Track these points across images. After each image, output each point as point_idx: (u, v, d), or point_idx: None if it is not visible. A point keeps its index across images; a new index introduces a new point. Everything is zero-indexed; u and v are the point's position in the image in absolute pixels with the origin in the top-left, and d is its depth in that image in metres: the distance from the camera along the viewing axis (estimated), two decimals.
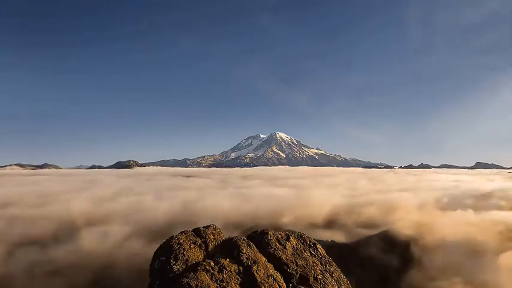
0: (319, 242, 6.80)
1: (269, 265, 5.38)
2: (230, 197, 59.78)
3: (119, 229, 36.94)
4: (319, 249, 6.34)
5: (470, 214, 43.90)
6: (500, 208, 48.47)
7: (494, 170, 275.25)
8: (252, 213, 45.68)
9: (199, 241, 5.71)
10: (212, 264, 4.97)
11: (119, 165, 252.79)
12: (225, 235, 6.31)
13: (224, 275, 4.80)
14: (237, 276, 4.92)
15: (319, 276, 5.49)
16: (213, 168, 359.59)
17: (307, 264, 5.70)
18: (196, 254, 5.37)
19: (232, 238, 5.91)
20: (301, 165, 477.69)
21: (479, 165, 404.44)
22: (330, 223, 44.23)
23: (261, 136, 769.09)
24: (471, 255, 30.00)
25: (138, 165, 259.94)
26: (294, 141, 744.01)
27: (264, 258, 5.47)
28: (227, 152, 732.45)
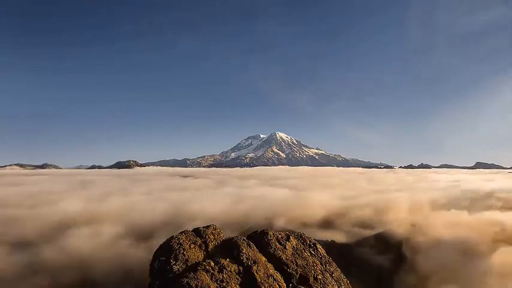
0: (318, 242, 6.80)
1: (269, 265, 5.38)
2: (225, 197, 59.10)
3: (109, 229, 36.79)
4: (319, 249, 6.34)
5: (466, 215, 43.90)
6: (498, 208, 48.47)
7: (494, 170, 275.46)
8: (246, 214, 45.45)
9: (199, 241, 5.71)
10: (212, 264, 4.97)
11: (119, 165, 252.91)
12: (224, 235, 6.32)
13: (224, 275, 4.80)
14: (237, 276, 4.92)
15: (319, 276, 5.49)
16: (212, 168, 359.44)
17: (307, 264, 5.70)
18: (196, 254, 5.38)
19: (232, 238, 5.92)
20: (301, 165, 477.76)
21: (479, 165, 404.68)
22: (326, 224, 44.14)
23: (261, 136, 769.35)
24: (465, 257, 30.04)
25: (138, 165, 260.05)
26: (294, 141, 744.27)
27: (264, 258, 5.47)
28: (227, 152, 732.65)
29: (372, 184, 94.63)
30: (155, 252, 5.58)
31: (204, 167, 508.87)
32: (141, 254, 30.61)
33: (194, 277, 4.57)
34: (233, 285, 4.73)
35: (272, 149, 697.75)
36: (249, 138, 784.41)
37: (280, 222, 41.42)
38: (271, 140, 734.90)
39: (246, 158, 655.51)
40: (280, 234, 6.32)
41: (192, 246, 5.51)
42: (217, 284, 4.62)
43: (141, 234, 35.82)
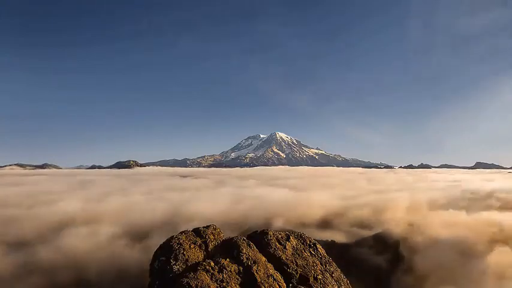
0: (318, 242, 6.80)
1: (269, 265, 5.38)
2: (224, 198, 58.90)
3: (106, 229, 36.79)
4: (319, 249, 6.34)
5: (464, 215, 43.95)
6: (496, 209, 48.51)
7: (494, 170, 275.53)
8: (244, 214, 45.34)
9: (199, 241, 5.71)
10: (212, 264, 4.97)
11: (119, 165, 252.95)
12: (224, 235, 6.32)
13: (224, 275, 4.81)
14: (237, 276, 4.92)
15: (319, 276, 5.49)
16: (212, 168, 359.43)
17: (307, 264, 5.70)
18: (196, 254, 5.38)
19: (232, 238, 5.92)
20: (301, 165, 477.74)
21: (479, 165, 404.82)
22: (325, 224, 44.08)
23: (261, 136, 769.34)
24: (462, 257, 30.08)
25: (138, 165, 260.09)
26: (294, 141, 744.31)
27: (264, 258, 5.47)
28: (227, 152, 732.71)
29: (371, 184, 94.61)
30: (155, 252, 5.58)
31: (204, 167, 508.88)
32: (137, 254, 30.70)
33: (194, 277, 4.57)
34: (233, 285, 4.73)
35: (272, 149, 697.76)
36: (249, 138, 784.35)
37: (278, 223, 41.39)
38: (271, 140, 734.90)
39: (246, 158, 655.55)
40: (280, 234, 6.32)
41: (192, 246, 5.51)
42: (217, 284, 4.62)
43: (138, 235, 35.88)
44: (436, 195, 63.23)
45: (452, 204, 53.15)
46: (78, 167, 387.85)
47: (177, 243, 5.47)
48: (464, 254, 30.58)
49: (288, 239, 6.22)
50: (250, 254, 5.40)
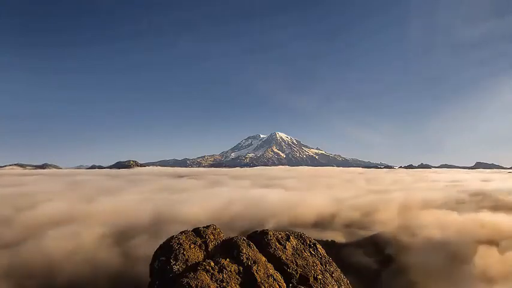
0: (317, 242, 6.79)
1: (269, 265, 5.38)
2: (215, 199, 58.50)
3: (90, 231, 36.83)
4: (319, 249, 6.34)
5: (459, 215, 44.10)
6: (491, 209, 48.62)
7: (494, 170, 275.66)
8: (235, 216, 45.18)
9: (199, 241, 5.71)
10: (212, 264, 4.97)
11: (119, 165, 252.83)
12: (224, 235, 6.31)
13: (224, 275, 4.80)
14: (237, 276, 4.92)
15: (319, 276, 5.49)
16: (211, 169, 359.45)
17: (307, 264, 5.70)
18: (196, 254, 5.37)
19: (232, 238, 5.91)
20: (301, 165, 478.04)
21: (479, 165, 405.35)
22: (317, 225, 43.99)
23: (261, 136, 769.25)
24: (453, 258, 30.19)
25: (138, 165, 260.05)
26: (294, 141, 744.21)
27: (264, 258, 5.47)
28: (227, 152, 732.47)
29: (370, 184, 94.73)
30: (155, 252, 5.57)
31: (204, 167, 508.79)
32: (117, 257, 30.75)
33: (194, 277, 4.57)
34: (233, 285, 4.73)
35: (272, 149, 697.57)
36: (249, 138, 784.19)
37: (269, 225, 41.30)
38: (271, 140, 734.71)
39: (246, 158, 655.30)
40: (280, 234, 6.32)
41: (192, 246, 5.51)
42: (217, 284, 4.62)
43: (122, 236, 36.01)
44: (434, 195, 63.35)
45: (448, 204, 53.32)
46: (78, 167, 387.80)
47: (177, 243, 5.46)
48: (455, 255, 30.79)
49: (288, 239, 6.22)
50: (250, 254, 5.39)
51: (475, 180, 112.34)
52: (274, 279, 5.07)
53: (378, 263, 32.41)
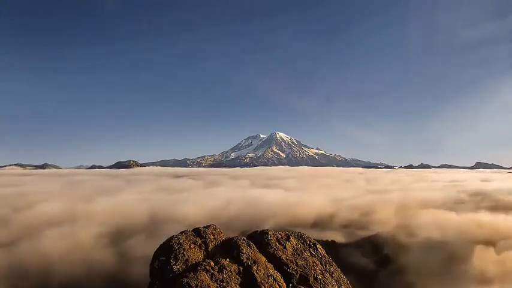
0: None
1: (269, 265, 5.38)
2: (212, 200, 58.20)
3: (86, 230, 36.79)
4: (319, 249, 6.34)
5: (456, 215, 44.12)
6: (490, 209, 48.61)
7: (494, 170, 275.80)
8: (229, 217, 45.03)
9: (199, 241, 5.71)
10: (212, 264, 4.97)
11: (119, 165, 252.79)
12: (224, 235, 6.31)
13: (224, 275, 4.80)
14: (237, 276, 4.92)
15: (319, 276, 5.49)
16: (211, 169, 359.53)
17: (307, 264, 5.70)
18: (196, 254, 5.37)
19: (232, 238, 5.91)
20: (301, 165, 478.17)
21: (479, 165, 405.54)
22: (314, 225, 43.88)
23: (261, 136, 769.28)
24: (449, 259, 30.20)
25: (138, 165, 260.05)
26: (294, 141, 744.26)
27: (264, 258, 5.47)
28: (227, 152, 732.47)
29: (369, 184, 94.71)
30: (155, 252, 5.57)
31: (204, 167, 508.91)
32: (112, 257, 30.69)
33: (194, 277, 4.57)
34: (233, 285, 4.73)
35: (272, 149, 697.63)
36: (249, 138, 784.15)
37: (268, 225, 41.23)
38: (271, 140, 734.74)
39: (246, 158, 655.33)
40: (280, 234, 6.32)
41: (192, 246, 5.50)
42: (217, 284, 4.62)
43: (117, 236, 35.96)
44: (433, 195, 63.38)
45: (447, 204, 53.33)
46: (78, 167, 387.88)
47: (177, 243, 5.46)
48: (453, 255, 30.81)
49: (288, 239, 6.22)
50: (250, 254, 5.39)
51: (474, 180, 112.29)
52: (274, 279, 5.07)
53: (376, 263, 32.40)
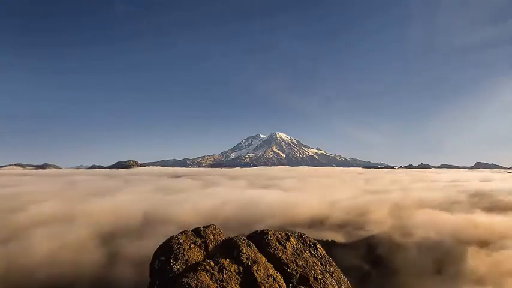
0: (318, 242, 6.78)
1: (269, 265, 5.38)
2: (209, 200, 57.55)
3: (77, 230, 36.28)
4: (319, 249, 6.34)
5: (453, 216, 44.09)
6: (490, 209, 48.52)
7: (494, 170, 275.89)
8: (224, 218, 44.70)
9: (199, 241, 5.70)
10: (212, 264, 4.97)
11: (119, 165, 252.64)
12: (224, 235, 6.31)
13: (224, 275, 4.80)
14: (237, 276, 4.92)
15: (319, 276, 5.49)
16: (210, 169, 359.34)
17: (307, 264, 5.70)
18: (196, 254, 5.37)
19: (232, 238, 5.91)
20: (301, 165, 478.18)
21: (479, 165, 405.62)
22: (309, 226, 43.66)
23: (261, 136, 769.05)
24: (444, 258, 30.17)
25: (138, 165, 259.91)
26: (294, 141, 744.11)
27: (264, 258, 5.47)
28: (227, 152, 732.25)
29: (368, 185, 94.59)
30: (155, 252, 5.57)
31: (204, 167, 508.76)
32: (101, 256, 30.47)
33: (194, 277, 4.57)
34: (233, 285, 4.73)
35: (272, 149, 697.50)
36: (249, 138, 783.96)
37: (262, 226, 40.80)
38: (271, 140, 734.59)
39: (246, 158, 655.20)
40: (280, 234, 6.32)
41: (192, 246, 5.50)
42: (217, 284, 4.61)
43: (110, 236, 35.73)
44: (432, 195, 63.29)
45: (446, 205, 53.24)
46: (78, 167, 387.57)
47: (177, 243, 5.46)
48: (448, 255, 30.78)
49: (288, 239, 6.22)
50: (250, 254, 5.39)
51: (474, 180, 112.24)
52: (274, 279, 5.07)
53: (370, 264, 32.34)
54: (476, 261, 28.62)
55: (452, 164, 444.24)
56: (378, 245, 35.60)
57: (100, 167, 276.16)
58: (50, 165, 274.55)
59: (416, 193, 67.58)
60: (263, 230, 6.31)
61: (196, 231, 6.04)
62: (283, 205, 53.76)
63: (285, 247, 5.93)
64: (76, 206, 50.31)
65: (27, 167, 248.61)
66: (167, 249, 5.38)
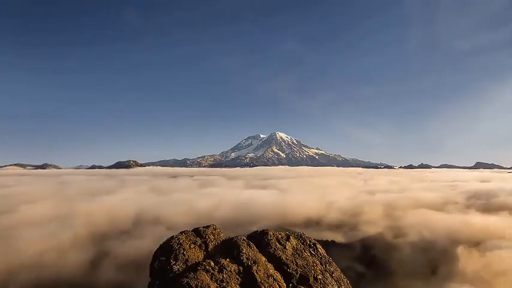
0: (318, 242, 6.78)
1: (269, 265, 5.38)
2: (203, 201, 57.10)
3: (65, 231, 35.59)
4: (319, 249, 6.33)
5: (455, 216, 44.12)
6: (488, 210, 48.50)
7: (494, 170, 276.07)
8: (217, 219, 44.48)
9: (199, 241, 5.70)
10: (212, 264, 4.97)
11: (119, 165, 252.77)
12: (224, 235, 6.31)
13: (224, 275, 4.80)
14: (237, 276, 4.92)
15: (319, 276, 5.49)
16: (210, 169, 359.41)
17: (307, 264, 5.70)
18: (196, 254, 5.37)
19: (232, 238, 5.91)
20: (301, 165, 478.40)
21: (479, 165, 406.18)
22: (307, 226, 43.54)
23: (261, 136, 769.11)
24: (441, 259, 30.22)
25: (138, 165, 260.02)
26: (294, 141, 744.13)
27: (264, 258, 5.47)
28: (227, 152, 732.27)
29: (367, 185, 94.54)
30: (155, 252, 5.57)
31: (204, 167, 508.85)
32: (85, 258, 30.20)
33: (194, 277, 4.57)
34: (233, 285, 4.73)
35: (272, 149, 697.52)
36: (249, 138, 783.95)
37: (254, 228, 40.59)
38: (271, 140, 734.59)
39: (246, 158, 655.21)
40: (280, 234, 6.32)
41: (192, 246, 5.50)
42: (217, 284, 4.61)
43: (98, 238, 35.46)
44: (430, 195, 63.24)
45: (444, 205, 53.18)
46: (78, 167, 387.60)
47: (177, 243, 5.46)
48: (442, 256, 30.78)
49: (288, 239, 6.21)
50: (250, 254, 5.39)
51: (474, 180, 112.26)
52: (274, 279, 5.07)
53: (364, 265, 32.31)
54: (469, 261, 28.69)
55: (452, 164, 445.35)
56: (373, 246, 35.58)
57: (100, 167, 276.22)
58: (50, 165, 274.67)
59: (415, 193, 67.55)
60: (263, 230, 6.30)
61: (196, 231, 6.03)
62: (279, 206, 53.55)
63: (285, 247, 5.93)
64: (67, 207, 49.88)
65: (27, 167, 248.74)
66: (167, 249, 5.38)
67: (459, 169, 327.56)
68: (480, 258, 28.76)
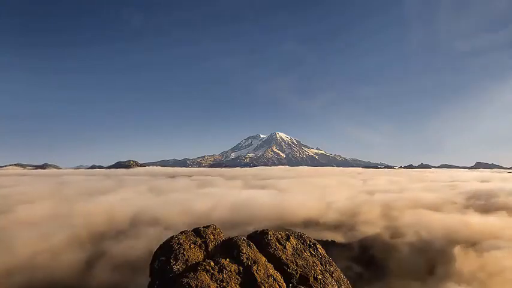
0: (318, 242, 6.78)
1: (269, 265, 5.38)
2: (200, 201, 56.56)
3: (59, 232, 35.25)
4: (319, 249, 6.33)
5: (453, 216, 44.11)
6: (486, 210, 48.47)
7: (494, 170, 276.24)
8: (218, 219, 44.19)
9: (199, 241, 5.70)
10: (212, 264, 4.97)
11: (119, 165, 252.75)
12: (224, 235, 6.31)
13: (224, 275, 4.80)
14: (237, 276, 4.92)
15: (319, 276, 5.49)
16: (209, 169, 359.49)
17: (307, 264, 5.70)
18: (196, 254, 5.37)
19: (232, 238, 5.91)
20: (301, 165, 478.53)
21: (479, 165, 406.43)
22: (305, 226, 43.43)
23: (261, 136, 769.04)
24: (434, 260, 30.21)
25: (138, 165, 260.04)
26: (294, 141, 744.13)
27: (264, 258, 5.47)
28: (227, 152, 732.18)
29: (366, 185, 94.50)
30: (155, 252, 5.57)
31: (204, 167, 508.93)
32: (79, 258, 30.00)
33: (194, 277, 4.57)
34: (233, 285, 4.73)
35: (272, 149, 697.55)
36: (249, 138, 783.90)
37: (251, 228, 40.25)
38: (271, 140, 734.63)
39: (246, 158, 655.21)
40: (280, 234, 6.32)
41: (192, 246, 5.50)
42: (217, 284, 4.62)
43: (93, 238, 35.28)
44: (429, 196, 63.21)
45: (443, 205, 53.12)
46: (78, 167, 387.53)
47: (177, 243, 5.46)
48: (439, 256, 30.78)
49: (288, 239, 6.21)
50: (250, 254, 5.39)
51: (473, 180, 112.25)
52: (274, 279, 5.07)
53: (362, 265, 32.29)
54: (466, 261, 28.74)
55: (452, 164, 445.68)
56: (371, 246, 35.57)
57: (100, 167, 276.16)
58: (50, 165, 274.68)
59: (414, 193, 67.52)
60: (263, 230, 6.30)
61: (196, 231, 6.03)
62: (277, 206, 53.43)
63: (285, 247, 5.93)
64: (65, 207, 49.67)
65: (27, 167, 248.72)
66: (167, 249, 5.38)
67: (459, 169, 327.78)
68: (477, 259, 28.81)
